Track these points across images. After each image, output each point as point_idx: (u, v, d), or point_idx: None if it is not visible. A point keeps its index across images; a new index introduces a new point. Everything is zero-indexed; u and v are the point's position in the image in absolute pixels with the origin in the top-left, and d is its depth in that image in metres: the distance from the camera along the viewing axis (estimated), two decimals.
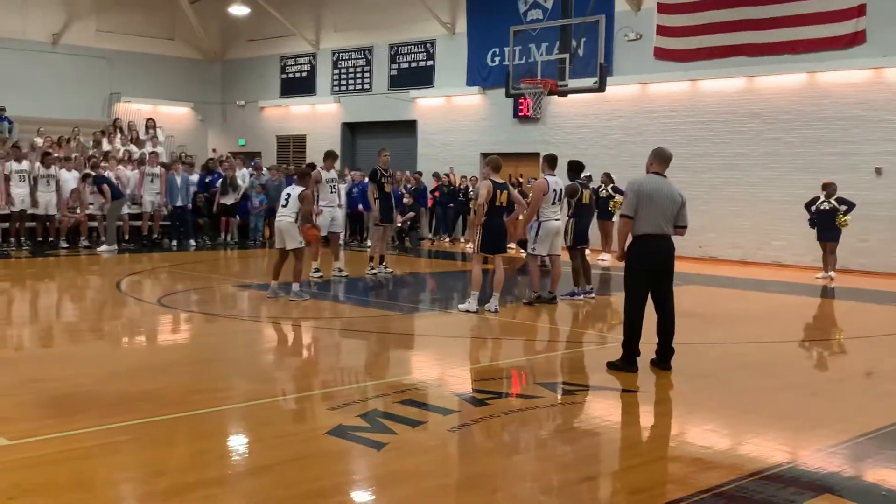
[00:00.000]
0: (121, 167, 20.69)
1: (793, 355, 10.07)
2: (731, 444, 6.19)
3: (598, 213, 19.55)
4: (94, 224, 19.94)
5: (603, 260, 19.20)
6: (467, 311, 11.61)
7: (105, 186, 19.11)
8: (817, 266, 17.43)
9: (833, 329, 12.45)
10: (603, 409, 7.13)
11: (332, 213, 15.10)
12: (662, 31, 20.68)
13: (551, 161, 12.66)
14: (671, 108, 20.85)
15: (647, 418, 7.10)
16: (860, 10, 17.98)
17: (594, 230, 18.99)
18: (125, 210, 20.10)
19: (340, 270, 15.13)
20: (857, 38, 18.07)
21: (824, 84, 18.64)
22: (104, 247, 19.09)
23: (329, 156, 15.29)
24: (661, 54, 20.76)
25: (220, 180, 21.61)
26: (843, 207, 16.71)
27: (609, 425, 6.68)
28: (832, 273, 16.89)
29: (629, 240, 8.29)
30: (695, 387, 7.91)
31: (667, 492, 5.26)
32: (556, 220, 12.54)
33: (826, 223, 16.90)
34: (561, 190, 12.56)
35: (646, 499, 5.12)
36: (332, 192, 15.15)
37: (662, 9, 20.64)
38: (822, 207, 16.98)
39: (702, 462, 5.76)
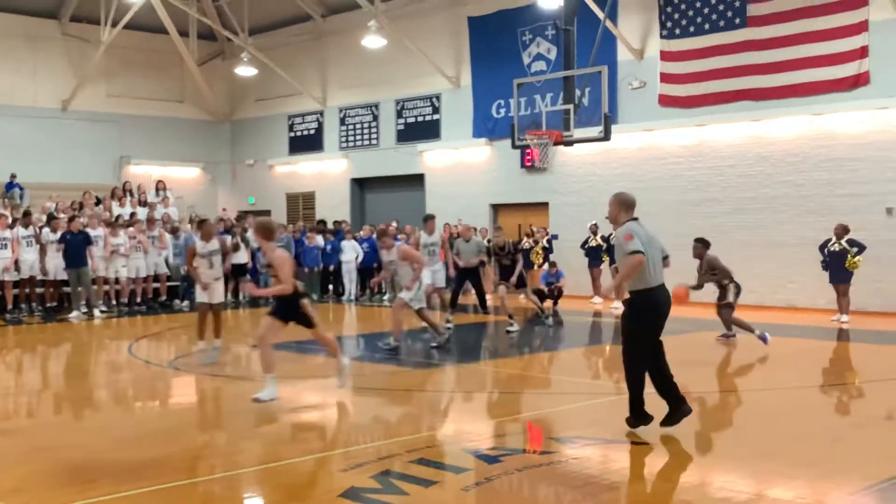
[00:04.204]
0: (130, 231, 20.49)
1: (811, 401, 9.92)
2: (751, 495, 6.07)
3: (589, 262, 20.76)
4: (117, 287, 19.87)
5: (595, 303, 20.13)
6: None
7: (92, 249, 18.59)
8: (831, 308, 17.27)
9: (850, 373, 12.30)
10: (620, 462, 7.03)
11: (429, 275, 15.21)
12: (666, 77, 20.79)
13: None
14: (678, 154, 20.86)
15: (666, 470, 6.98)
16: (863, 52, 18.05)
17: (585, 276, 20.76)
18: (124, 274, 19.78)
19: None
20: (860, 80, 18.12)
21: (831, 126, 18.62)
22: (74, 314, 18.24)
23: (428, 219, 16.00)
24: (667, 101, 20.85)
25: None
26: (854, 249, 16.57)
27: (627, 479, 6.57)
28: (845, 317, 16.72)
29: (627, 295, 7.85)
30: (712, 436, 7.80)
31: None
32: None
33: (837, 265, 16.76)
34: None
35: None
36: (429, 255, 15.59)
37: (665, 56, 20.77)
38: (833, 249, 16.86)
39: None
